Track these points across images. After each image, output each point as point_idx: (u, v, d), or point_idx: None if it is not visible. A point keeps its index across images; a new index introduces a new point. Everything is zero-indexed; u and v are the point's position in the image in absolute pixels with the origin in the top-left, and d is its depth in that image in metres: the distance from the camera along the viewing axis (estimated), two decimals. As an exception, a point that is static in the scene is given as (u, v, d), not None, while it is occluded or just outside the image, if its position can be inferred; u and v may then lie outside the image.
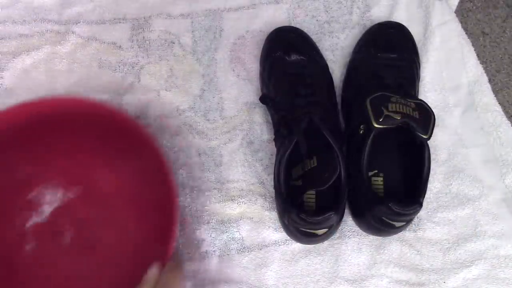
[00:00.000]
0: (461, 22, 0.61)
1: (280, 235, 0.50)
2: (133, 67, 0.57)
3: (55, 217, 0.47)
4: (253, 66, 0.57)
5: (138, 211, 0.47)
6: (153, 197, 0.44)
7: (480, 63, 0.58)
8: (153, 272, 0.35)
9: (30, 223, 0.47)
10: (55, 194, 0.48)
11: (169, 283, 0.34)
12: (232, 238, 0.50)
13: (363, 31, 0.58)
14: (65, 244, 0.47)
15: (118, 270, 0.46)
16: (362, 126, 0.46)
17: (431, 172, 0.45)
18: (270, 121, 0.54)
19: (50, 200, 0.48)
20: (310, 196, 0.48)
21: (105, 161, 0.48)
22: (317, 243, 0.49)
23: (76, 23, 0.60)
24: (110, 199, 0.48)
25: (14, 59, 0.57)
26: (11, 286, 0.43)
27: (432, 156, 0.47)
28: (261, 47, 0.56)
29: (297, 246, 0.50)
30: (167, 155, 0.41)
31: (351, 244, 0.50)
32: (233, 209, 0.51)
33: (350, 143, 0.49)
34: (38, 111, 0.43)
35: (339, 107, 0.55)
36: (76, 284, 0.46)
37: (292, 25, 0.58)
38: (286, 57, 0.52)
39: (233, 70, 0.58)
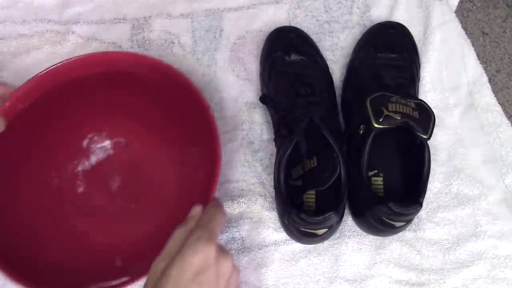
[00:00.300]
0: (461, 22, 0.61)
1: (280, 235, 0.50)
2: (133, 67, 0.57)
3: (103, 165, 0.52)
4: (253, 66, 0.57)
5: (181, 158, 0.50)
6: (195, 142, 0.47)
7: (480, 63, 0.58)
8: (196, 210, 0.39)
9: (81, 168, 0.51)
10: (104, 145, 0.52)
11: (211, 219, 0.37)
12: (232, 238, 0.50)
13: (363, 31, 0.58)
14: (112, 189, 0.51)
15: (160, 216, 0.49)
16: (362, 126, 0.46)
17: (431, 172, 0.45)
18: (270, 121, 0.54)
19: (99, 150, 0.52)
20: (310, 196, 0.48)
21: (151, 117, 0.51)
22: (317, 243, 0.49)
23: (76, 23, 0.60)
24: (153, 149, 0.52)
25: (14, 59, 0.57)
26: (60, 221, 0.48)
27: (432, 156, 0.47)
28: (261, 47, 0.56)
29: (297, 246, 0.50)
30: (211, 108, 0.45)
31: (351, 244, 0.50)
32: (233, 209, 0.51)
33: (350, 143, 0.49)
34: (93, 65, 0.46)
35: (339, 107, 0.55)
36: (119, 224, 0.50)
37: (292, 25, 0.58)
38: (286, 57, 0.52)
39: (233, 70, 0.58)
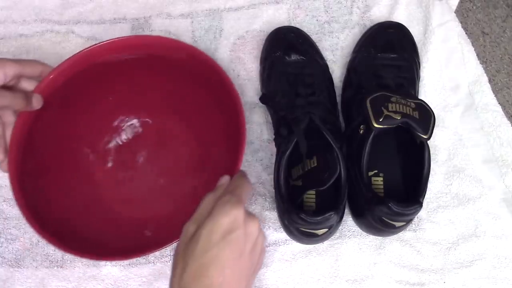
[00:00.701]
0: (461, 22, 0.61)
1: (280, 235, 0.50)
2: (133, 67, 0.57)
3: (132, 142, 0.55)
4: (253, 66, 0.57)
5: (207, 136, 0.53)
6: (221, 121, 0.49)
7: (480, 63, 0.58)
8: (225, 178, 0.41)
9: (111, 145, 0.54)
10: (132, 124, 0.55)
11: (238, 186, 0.39)
12: (232, 238, 0.50)
13: (363, 31, 0.58)
14: (142, 165, 0.54)
15: (187, 190, 0.52)
16: (362, 126, 0.46)
17: (431, 172, 0.45)
18: (270, 121, 0.54)
19: (128, 128, 0.55)
20: (310, 196, 0.48)
21: (175, 98, 0.53)
22: (317, 243, 0.49)
23: (76, 23, 0.60)
24: (180, 128, 0.54)
25: (14, 59, 0.57)
26: (91, 191, 0.51)
27: (432, 156, 0.47)
28: (261, 47, 0.56)
29: (297, 246, 0.50)
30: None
31: (351, 244, 0.50)
32: (233, 209, 0.51)
33: (350, 143, 0.49)
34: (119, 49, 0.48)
35: (339, 107, 0.55)
36: (149, 200, 0.53)
37: (292, 25, 0.58)
38: (286, 57, 0.52)
39: (233, 70, 0.58)
